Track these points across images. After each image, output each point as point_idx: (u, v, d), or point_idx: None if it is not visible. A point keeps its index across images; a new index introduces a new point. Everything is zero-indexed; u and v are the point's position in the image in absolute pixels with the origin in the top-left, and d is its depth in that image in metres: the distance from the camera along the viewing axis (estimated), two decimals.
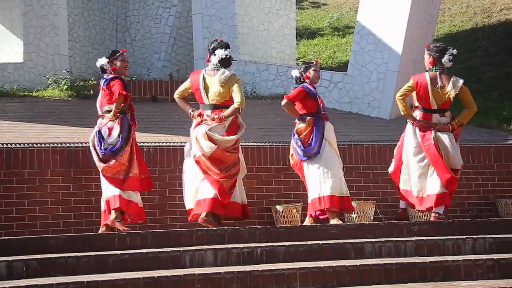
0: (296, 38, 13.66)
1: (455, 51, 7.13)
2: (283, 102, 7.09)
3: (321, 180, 6.99)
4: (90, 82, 11.46)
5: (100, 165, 6.74)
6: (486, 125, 10.29)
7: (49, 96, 10.52)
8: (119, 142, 6.67)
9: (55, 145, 7.90)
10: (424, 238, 6.02)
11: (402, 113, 7.11)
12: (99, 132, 6.79)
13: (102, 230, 6.75)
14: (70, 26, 12.20)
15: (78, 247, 5.63)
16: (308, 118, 7.08)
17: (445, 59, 7.09)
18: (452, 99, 7.06)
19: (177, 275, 4.90)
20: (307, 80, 7.21)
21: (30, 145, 7.84)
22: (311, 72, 7.21)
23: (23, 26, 11.14)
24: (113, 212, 6.68)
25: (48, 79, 10.84)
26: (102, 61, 6.93)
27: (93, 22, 12.93)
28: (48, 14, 11.31)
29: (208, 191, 6.64)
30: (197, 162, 6.72)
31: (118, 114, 6.76)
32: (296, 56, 13.40)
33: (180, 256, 5.40)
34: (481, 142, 9.31)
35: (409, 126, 7.12)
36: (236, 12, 11.90)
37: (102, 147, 6.69)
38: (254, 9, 12.34)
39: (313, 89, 7.19)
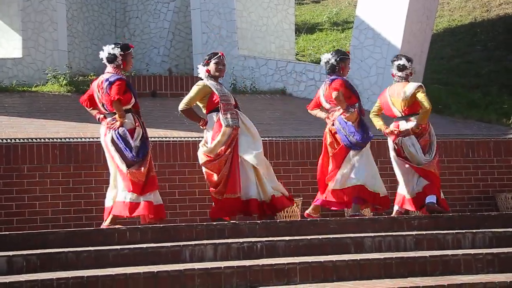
0: (296, 33, 13.65)
1: (401, 62, 7.31)
2: (335, 94, 7.05)
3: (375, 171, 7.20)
4: (89, 77, 11.45)
5: (126, 169, 6.47)
6: (486, 119, 10.29)
7: (48, 91, 10.52)
8: (147, 148, 6.53)
9: (55, 140, 7.89)
10: (424, 232, 6.03)
11: (377, 128, 7.46)
12: (119, 135, 6.52)
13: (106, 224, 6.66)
14: (69, 21, 12.18)
15: (78, 242, 5.63)
16: (353, 109, 7.20)
17: (394, 70, 7.35)
18: (409, 104, 7.21)
19: (177, 269, 4.90)
20: (342, 72, 7.30)
21: (30, 140, 7.83)
22: (347, 66, 7.34)
23: (21, 21, 11.13)
24: (110, 217, 6.60)
25: (47, 74, 10.84)
26: (116, 51, 6.59)
27: (92, 17, 12.92)
28: (46, 9, 11.30)
29: None
30: None
31: (127, 113, 6.58)
32: (295, 51, 13.39)
33: (180, 251, 5.41)
34: (480, 136, 9.31)
35: (388, 138, 7.45)
36: (235, 7, 11.88)
37: (133, 153, 6.46)
38: (253, 4, 12.33)
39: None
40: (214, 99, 6.86)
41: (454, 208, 8.72)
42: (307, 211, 7.33)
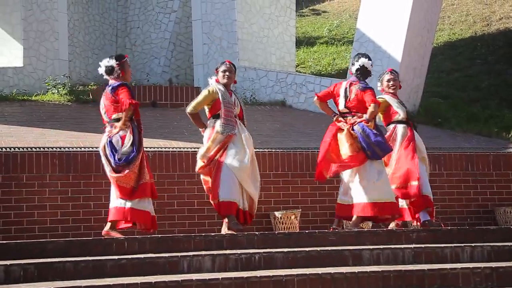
0: (296, 45, 13.68)
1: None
2: (375, 107, 6.96)
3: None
4: (89, 87, 11.47)
5: (112, 175, 6.55)
6: (485, 133, 10.30)
7: (48, 101, 10.53)
8: (133, 153, 6.52)
9: (54, 149, 7.89)
10: (423, 245, 6.02)
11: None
12: (111, 142, 6.60)
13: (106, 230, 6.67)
14: (70, 31, 12.22)
15: (76, 251, 5.62)
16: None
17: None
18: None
19: (175, 280, 4.89)
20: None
21: (29, 149, 7.84)
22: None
23: (23, 30, 11.16)
24: (108, 223, 6.61)
25: (48, 83, 10.85)
26: (112, 62, 6.72)
27: (93, 27, 12.95)
28: (48, 19, 11.33)
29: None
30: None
31: (128, 123, 6.64)
32: (296, 62, 13.42)
33: (178, 261, 5.40)
34: (480, 150, 9.31)
35: None
36: (236, 18, 11.92)
37: (116, 158, 6.52)
38: (254, 16, 12.37)
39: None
40: (218, 106, 6.91)
41: (453, 221, 8.72)
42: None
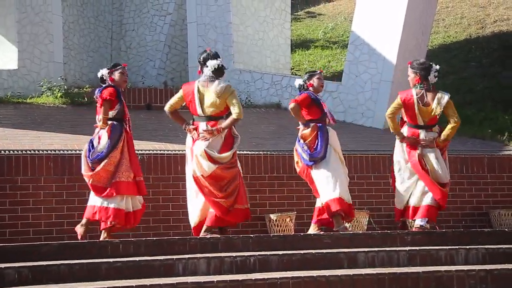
0: (292, 48, 13.69)
1: (438, 67, 7.21)
2: (291, 105, 7.15)
3: (330, 183, 7.00)
4: (84, 89, 11.45)
5: (85, 174, 6.76)
6: (480, 135, 10.32)
7: (43, 103, 10.51)
8: (105, 149, 6.70)
9: (49, 152, 7.88)
10: (417, 248, 6.03)
11: (392, 131, 7.23)
12: (91, 141, 6.84)
13: (103, 236, 6.73)
14: (65, 34, 12.20)
15: (71, 254, 5.61)
16: (312, 124, 7.12)
17: (431, 76, 7.18)
18: (438, 116, 7.10)
19: (170, 283, 4.89)
20: (310, 88, 7.26)
21: (24, 152, 7.82)
22: (315, 81, 7.28)
23: (17, 33, 11.13)
24: (84, 219, 6.79)
25: (43, 86, 10.83)
26: (103, 71, 6.99)
27: (88, 29, 12.94)
28: (42, 21, 11.31)
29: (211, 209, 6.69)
30: (196, 180, 6.66)
31: (110, 122, 6.76)
32: (291, 65, 13.43)
33: (173, 264, 5.40)
34: (474, 152, 9.33)
35: (397, 142, 7.26)
36: (231, 21, 11.92)
37: (90, 155, 6.73)
38: (249, 18, 12.37)
39: (317, 96, 7.27)
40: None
41: (448, 224, 8.73)
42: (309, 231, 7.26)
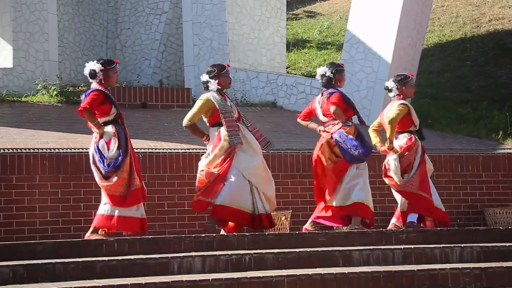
0: (289, 48, 13.68)
1: (387, 84, 7.47)
2: (334, 108, 7.04)
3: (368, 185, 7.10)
4: (79, 88, 11.45)
5: (102, 184, 6.47)
6: (475, 134, 10.34)
7: (38, 102, 10.50)
8: (120, 156, 6.42)
9: (44, 150, 7.87)
10: (412, 246, 6.04)
11: (373, 143, 7.48)
12: (98, 147, 6.51)
13: (101, 233, 6.61)
14: (60, 32, 12.18)
15: (66, 253, 5.61)
16: (351, 122, 7.18)
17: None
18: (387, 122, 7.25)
19: (165, 281, 4.89)
20: (338, 83, 7.27)
21: (19, 150, 7.81)
22: (343, 77, 7.32)
23: (12, 31, 11.12)
24: (91, 228, 6.57)
25: (38, 84, 10.82)
26: (96, 67, 6.61)
27: (84, 28, 12.92)
28: (38, 19, 11.30)
29: None
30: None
31: (111, 125, 6.52)
32: (286, 64, 13.43)
33: (168, 262, 5.39)
34: (469, 151, 9.35)
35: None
36: (227, 20, 11.92)
37: (105, 164, 6.42)
38: (244, 17, 12.37)
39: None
40: (217, 114, 6.87)
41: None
42: (305, 226, 7.27)
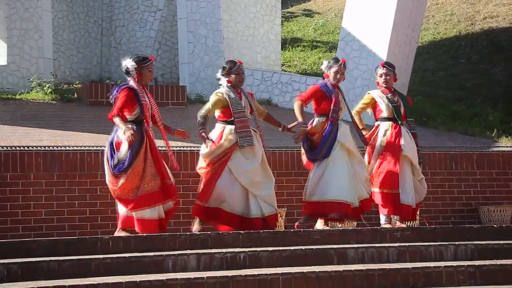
0: (285, 45, 13.66)
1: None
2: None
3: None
4: (74, 85, 11.42)
5: (109, 187, 6.43)
6: (470, 132, 10.36)
7: (32, 99, 10.48)
8: (128, 160, 6.33)
9: (38, 148, 7.86)
10: (407, 244, 6.05)
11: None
12: (112, 143, 6.44)
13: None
14: (55, 29, 12.15)
15: (60, 251, 5.60)
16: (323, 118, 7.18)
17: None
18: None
19: (160, 279, 4.89)
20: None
21: (13, 148, 7.79)
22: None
23: (6, 28, 11.09)
24: (118, 228, 6.54)
25: (32, 82, 10.79)
26: (129, 64, 6.57)
27: (78, 25, 12.89)
28: (32, 16, 11.27)
29: None
30: None
31: (130, 125, 6.36)
32: (281, 61, 13.43)
33: (163, 260, 5.39)
34: (464, 149, 9.36)
35: None
36: (222, 17, 11.91)
37: (112, 163, 6.37)
38: (239, 14, 12.36)
39: (330, 88, 7.17)
40: (228, 111, 6.85)
41: (437, 220, 8.76)
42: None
